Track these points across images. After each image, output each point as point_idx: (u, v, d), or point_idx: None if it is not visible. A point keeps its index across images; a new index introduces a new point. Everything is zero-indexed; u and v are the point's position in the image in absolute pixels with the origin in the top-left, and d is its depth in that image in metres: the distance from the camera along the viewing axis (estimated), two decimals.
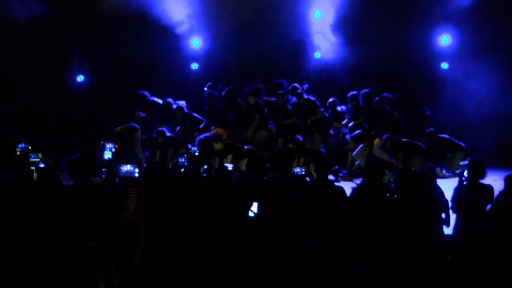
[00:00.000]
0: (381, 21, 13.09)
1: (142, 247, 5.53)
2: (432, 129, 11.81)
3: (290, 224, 5.63)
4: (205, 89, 12.65)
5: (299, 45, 13.75)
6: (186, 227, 5.66)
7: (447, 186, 7.00)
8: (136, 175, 6.04)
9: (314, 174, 6.68)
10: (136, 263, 5.53)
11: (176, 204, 5.85)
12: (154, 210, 5.80)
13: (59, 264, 5.73)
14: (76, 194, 6.03)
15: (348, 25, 13.07)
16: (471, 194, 6.35)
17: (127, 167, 6.07)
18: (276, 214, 5.68)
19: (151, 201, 5.88)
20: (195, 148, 7.32)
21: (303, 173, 6.87)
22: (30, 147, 6.97)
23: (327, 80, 14.17)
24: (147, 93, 12.27)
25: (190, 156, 7.27)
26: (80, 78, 14.16)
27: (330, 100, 12.58)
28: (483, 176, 6.52)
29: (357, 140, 11.33)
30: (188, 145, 7.58)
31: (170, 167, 7.30)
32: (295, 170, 6.92)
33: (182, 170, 7.16)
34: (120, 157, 6.67)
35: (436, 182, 6.68)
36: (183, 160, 7.32)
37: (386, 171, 6.75)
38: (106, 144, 6.87)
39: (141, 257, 5.45)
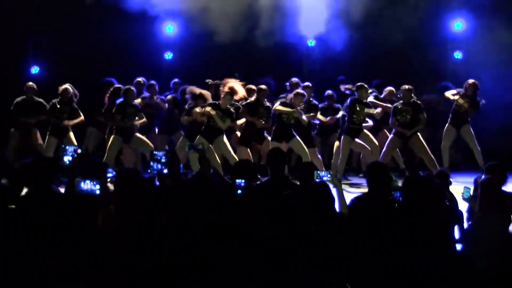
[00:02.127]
0: (386, 3, 13.17)
1: (121, 259, 5.55)
2: None
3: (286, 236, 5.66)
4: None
5: (290, 31, 13.77)
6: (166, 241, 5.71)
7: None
8: (98, 192, 5.90)
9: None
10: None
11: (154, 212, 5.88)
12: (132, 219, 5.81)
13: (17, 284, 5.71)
14: (32, 203, 6.00)
15: (347, 8, 13.12)
16: None
17: (86, 185, 5.90)
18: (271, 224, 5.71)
19: (126, 210, 5.89)
20: (161, 153, 7.15)
21: (328, 178, 6.45)
22: None
23: (323, 72, 14.23)
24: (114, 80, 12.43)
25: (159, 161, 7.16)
26: (34, 70, 14.09)
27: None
28: (503, 182, 6.57)
29: None
30: (154, 151, 7.45)
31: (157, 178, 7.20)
32: (320, 174, 6.58)
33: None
34: (81, 163, 6.60)
35: (449, 190, 6.72)
36: (155, 165, 7.22)
37: (394, 177, 6.80)
38: (66, 147, 6.79)
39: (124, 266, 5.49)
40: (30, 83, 12.14)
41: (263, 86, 11.87)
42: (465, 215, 6.53)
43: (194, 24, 13.00)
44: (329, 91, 12.63)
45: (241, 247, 5.57)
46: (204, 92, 11.75)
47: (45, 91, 12.28)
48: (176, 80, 13.10)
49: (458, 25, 14.02)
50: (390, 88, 12.34)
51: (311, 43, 14.24)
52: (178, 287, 5.44)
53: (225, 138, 11.24)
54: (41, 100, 12.00)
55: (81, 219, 5.99)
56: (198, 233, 5.68)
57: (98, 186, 5.92)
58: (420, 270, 5.28)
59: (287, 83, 12.44)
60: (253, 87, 12.09)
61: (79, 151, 6.65)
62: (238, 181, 6.53)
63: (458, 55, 14.24)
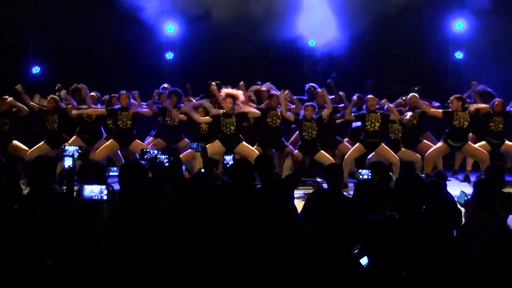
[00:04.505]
0: (387, 3, 13.23)
1: (121, 259, 5.60)
2: None
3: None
4: None
5: (294, 33, 13.81)
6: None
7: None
8: (105, 197, 5.88)
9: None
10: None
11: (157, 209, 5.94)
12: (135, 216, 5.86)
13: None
14: (33, 202, 6.06)
15: (348, 8, 13.17)
16: None
17: (92, 190, 5.87)
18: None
19: (130, 206, 5.94)
20: (163, 157, 7.00)
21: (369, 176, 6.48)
22: None
23: (324, 73, 14.26)
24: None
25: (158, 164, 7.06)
26: (35, 70, 14.16)
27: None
28: (501, 185, 6.62)
29: None
30: (150, 151, 7.32)
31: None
32: (361, 173, 6.54)
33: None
34: (84, 166, 6.60)
35: (446, 190, 6.74)
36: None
37: (392, 175, 6.83)
38: (66, 147, 6.79)
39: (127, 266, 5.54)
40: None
41: (274, 93, 11.52)
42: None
43: (195, 24, 13.05)
44: (358, 95, 11.94)
45: (241, 247, 5.64)
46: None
47: (45, 91, 12.31)
48: (165, 85, 12.44)
49: (459, 25, 14.09)
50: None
51: (312, 43, 14.28)
52: (178, 287, 5.53)
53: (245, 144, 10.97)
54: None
55: (82, 219, 6.05)
56: (198, 233, 5.76)
57: (106, 192, 5.91)
58: (418, 269, 5.34)
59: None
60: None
61: (79, 151, 6.68)
62: (227, 157, 6.54)
63: (459, 55, 14.30)
